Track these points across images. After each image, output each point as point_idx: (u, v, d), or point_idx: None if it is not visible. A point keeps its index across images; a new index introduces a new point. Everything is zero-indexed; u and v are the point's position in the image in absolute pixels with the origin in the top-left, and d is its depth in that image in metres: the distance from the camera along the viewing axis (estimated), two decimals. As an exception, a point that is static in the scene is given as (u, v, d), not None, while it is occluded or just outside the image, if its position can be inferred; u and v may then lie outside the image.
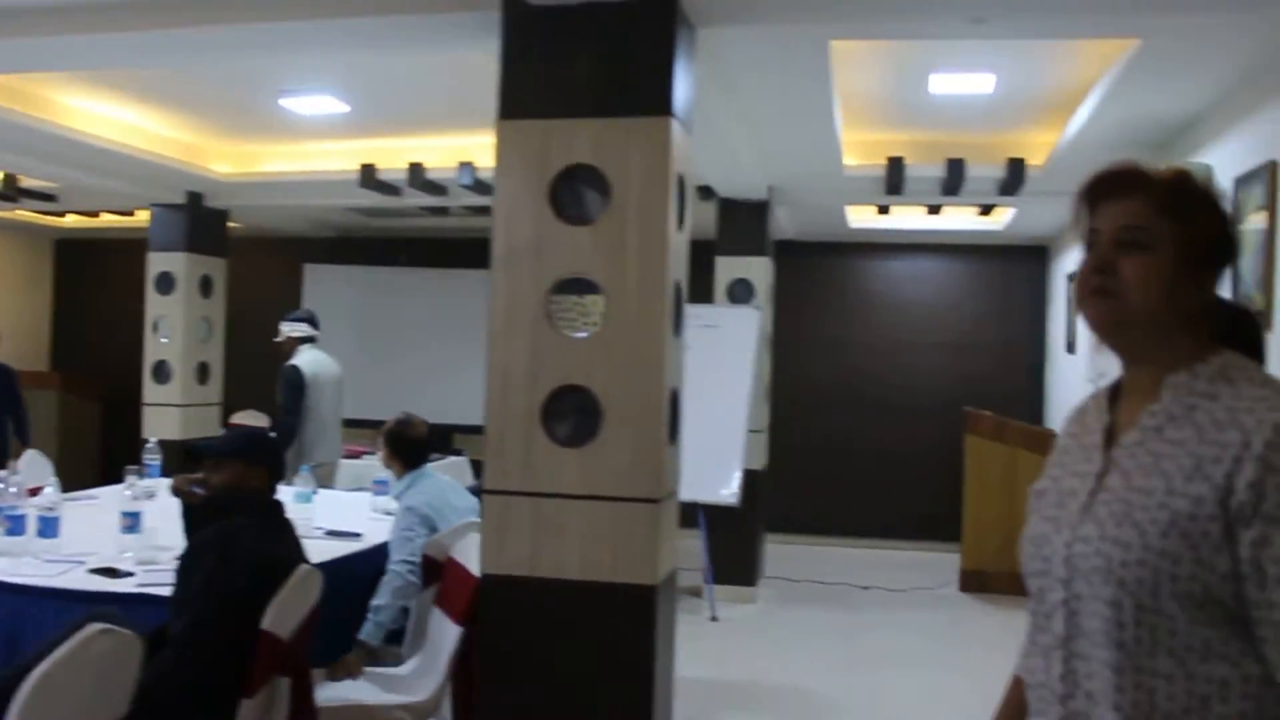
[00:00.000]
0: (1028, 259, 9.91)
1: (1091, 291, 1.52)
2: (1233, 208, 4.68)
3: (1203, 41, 4.20)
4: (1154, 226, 1.49)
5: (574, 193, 3.40)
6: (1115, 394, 1.62)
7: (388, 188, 7.53)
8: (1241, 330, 1.62)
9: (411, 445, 4.55)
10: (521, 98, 3.47)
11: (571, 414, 3.36)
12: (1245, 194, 4.55)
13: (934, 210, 8.48)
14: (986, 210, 8.42)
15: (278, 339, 6.92)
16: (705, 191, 7.80)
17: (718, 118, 5.42)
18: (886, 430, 10.01)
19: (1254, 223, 4.43)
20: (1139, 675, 1.41)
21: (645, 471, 3.30)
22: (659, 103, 3.36)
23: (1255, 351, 1.61)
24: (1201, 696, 1.39)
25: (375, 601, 4.04)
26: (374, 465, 6.73)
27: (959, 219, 8.99)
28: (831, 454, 10.03)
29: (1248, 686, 1.39)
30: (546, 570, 3.37)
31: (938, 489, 9.20)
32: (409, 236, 10.55)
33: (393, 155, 7.38)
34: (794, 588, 8.23)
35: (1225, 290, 4.41)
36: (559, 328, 3.36)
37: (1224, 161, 4.89)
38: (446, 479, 4.78)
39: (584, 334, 3.34)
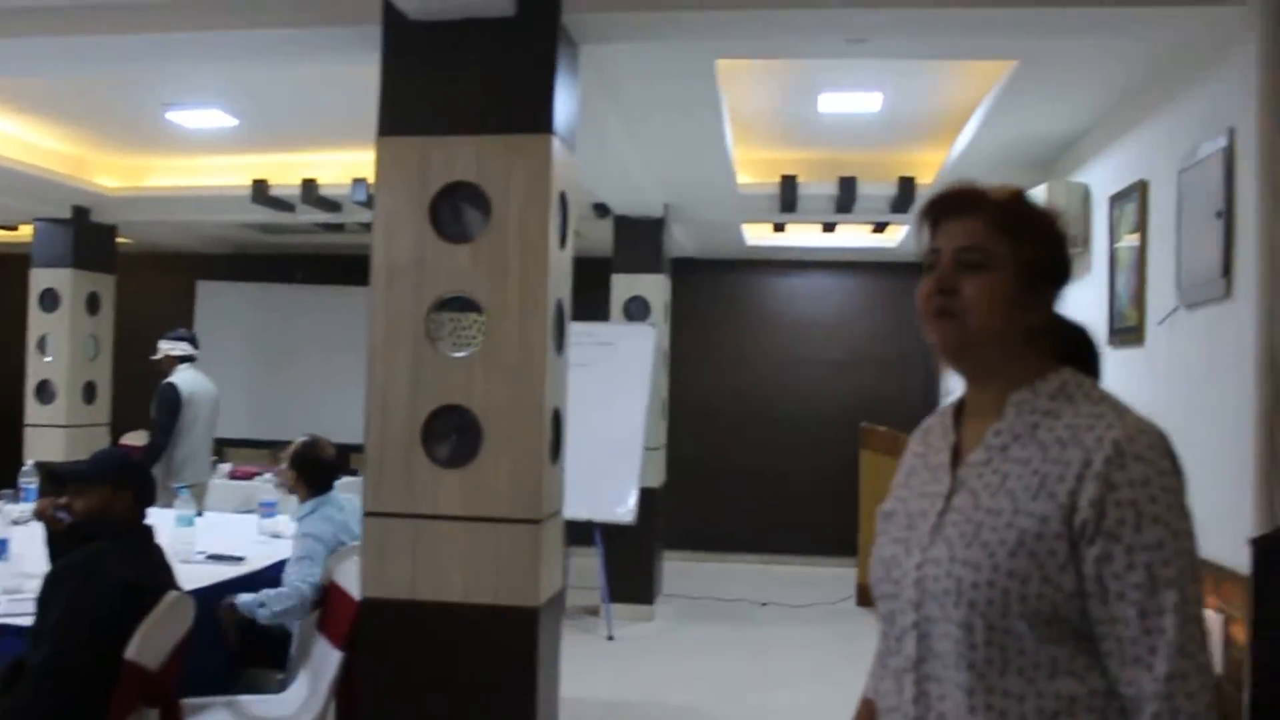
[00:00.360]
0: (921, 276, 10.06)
1: (934, 312, 1.53)
2: (1109, 226, 4.81)
3: (1078, 64, 4.31)
4: (992, 246, 1.51)
5: (454, 210, 3.36)
6: (960, 413, 1.64)
7: (281, 204, 7.40)
8: (1078, 347, 1.65)
9: (319, 469, 4.40)
10: (402, 114, 3.43)
11: (452, 434, 3.32)
12: (1120, 213, 4.67)
13: (829, 228, 8.59)
14: (880, 228, 8.54)
15: (155, 356, 6.90)
16: (601, 209, 7.80)
17: (610, 135, 5.43)
18: (784, 446, 10.09)
19: (1128, 241, 4.55)
20: (990, 695, 1.42)
21: (526, 492, 3.27)
22: (540, 120, 3.34)
23: (1092, 367, 1.64)
24: (1051, 713, 1.41)
25: (266, 597, 3.92)
26: (263, 487, 6.63)
27: (853, 236, 9.11)
28: (730, 471, 10.07)
29: (1093, 700, 1.41)
30: (427, 593, 3.31)
31: (835, 504, 9.29)
32: (305, 253, 10.39)
33: (286, 171, 7.26)
34: (692, 605, 8.24)
35: (1102, 306, 4.47)
36: (439, 347, 3.32)
37: (1101, 181, 5.02)
38: (356, 504, 4.66)
39: (463, 353, 3.30)
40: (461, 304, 3.33)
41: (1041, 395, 1.52)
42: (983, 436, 1.55)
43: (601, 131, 5.27)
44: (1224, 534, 3.29)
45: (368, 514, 3.38)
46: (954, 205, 1.57)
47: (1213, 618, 3.36)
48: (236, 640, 3.91)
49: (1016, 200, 1.56)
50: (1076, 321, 1.66)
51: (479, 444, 3.29)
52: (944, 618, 1.46)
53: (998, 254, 1.51)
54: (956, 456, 1.58)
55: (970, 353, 1.54)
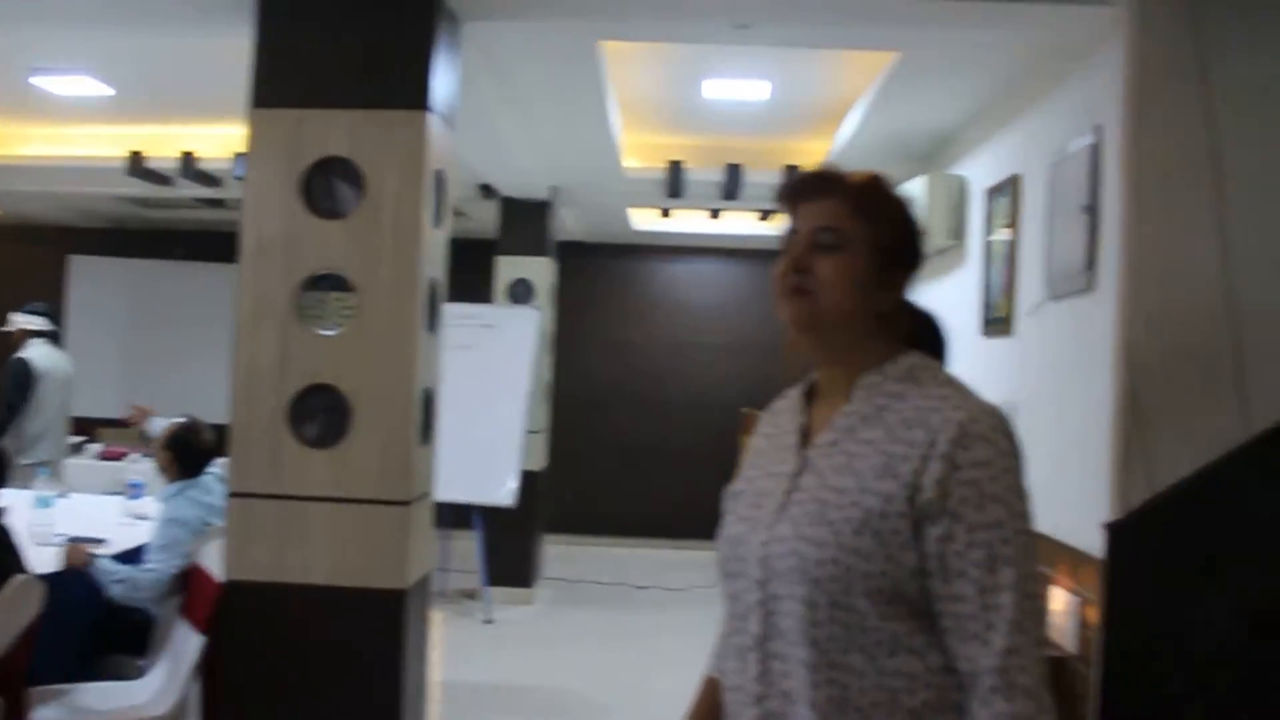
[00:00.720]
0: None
1: (788, 291, 1.54)
2: (984, 221, 4.91)
3: (957, 58, 4.37)
4: (847, 228, 1.53)
5: (327, 186, 3.28)
6: (810, 394, 1.65)
7: (158, 177, 7.15)
8: (927, 333, 1.67)
9: (194, 453, 4.23)
10: (275, 85, 3.34)
11: (320, 414, 3.25)
12: (995, 206, 4.77)
13: (715, 214, 8.62)
14: (766, 215, 8.61)
15: (6, 329, 6.67)
16: (487, 190, 7.73)
17: (496, 116, 5.37)
18: (668, 431, 10.14)
19: (1001, 234, 4.65)
20: (832, 671, 1.44)
21: (395, 473, 3.22)
22: (417, 96, 3.28)
23: (939, 354, 1.66)
24: (891, 690, 1.43)
25: (123, 573, 3.80)
26: (131, 468, 6.43)
27: (740, 223, 9.17)
28: (613, 454, 10.08)
29: (931, 677, 1.44)
30: (292, 575, 3.24)
31: (716, 489, 9.30)
32: (185, 229, 10.08)
33: (163, 143, 7.01)
34: (572, 589, 8.24)
35: (977, 297, 4.54)
36: (308, 325, 3.24)
37: (977, 174, 5.12)
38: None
39: (332, 331, 3.23)
40: (332, 282, 3.26)
41: (889, 378, 1.54)
42: (831, 418, 1.56)
43: (487, 111, 5.21)
44: (1081, 519, 3.38)
45: (232, 495, 3.29)
46: (812, 187, 1.58)
47: (1068, 600, 3.46)
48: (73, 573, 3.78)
49: (874, 184, 1.58)
50: (926, 309, 1.68)
51: (348, 424, 3.22)
52: (788, 595, 1.47)
53: (853, 236, 1.53)
54: (806, 438, 1.59)
55: (821, 332, 1.56)
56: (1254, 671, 3.12)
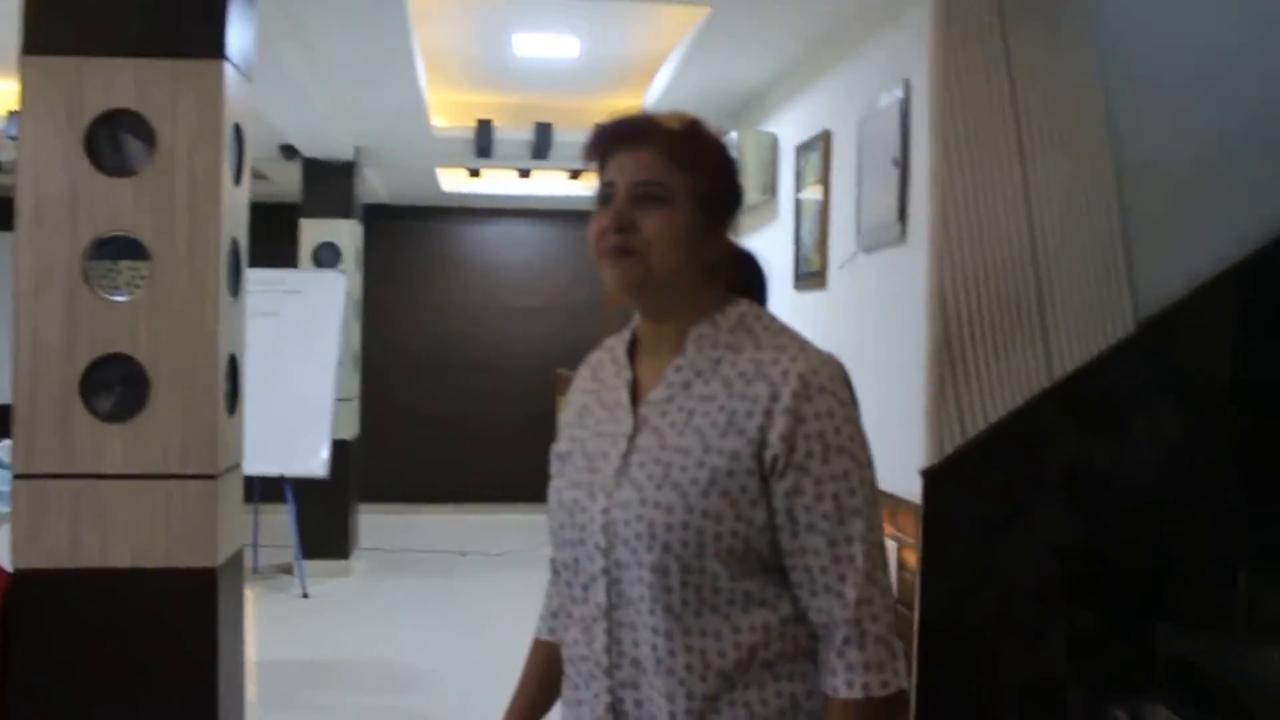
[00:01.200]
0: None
1: (611, 252, 1.45)
2: (795, 176, 4.96)
3: (767, 13, 4.39)
4: (668, 179, 1.44)
5: (114, 141, 3.05)
6: (632, 348, 1.58)
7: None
8: (749, 274, 1.63)
9: None
10: (50, 29, 3.06)
11: (115, 385, 3.03)
12: (805, 162, 4.83)
13: (525, 174, 8.51)
14: (576, 175, 8.54)
15: None
16: (289, 151, 7.43)
17: (296, 73, 5.14)
18: (481, 395, 10.03)
19: (813, 193, 4.70)
20: (688, 638, 1.40)
21: (200, 446, 3.03)
22: (211, 44, 3.06)
23: (761, 294, 1.63)
24: (749, 647, 1.41)
25: None
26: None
27: (550, 184, 9.08)
28: (428, 420, 9.92)
29: (785, 627, 1.42)
30: (90, 560, 3.02)
31: (532, 451, 9.27)
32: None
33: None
34: (390, 558, 8.07)
35: (788, 252, 4.58)
36: (99, 291, 3.02)
37: (788, 130, 5.17)
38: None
39: (124, 297, 3.02)
40: (124, 245, 3.04)
41: (722, 329, 1.49)
42: (663, 373, 1.50)
43: (287, 67, 4.98)
44: (898, 466, 3.46)
45: (18, 476, 3.04)
46: (625, 135, 1.49)
47: (889, 545, 3.54)
48: None
49: (689, 129, 1.50)
50: (744, 248, 1.64)
51: (146, 395, 3.01)
52: (636, 562, 1.41)
53: (674, 187, 1.45)
54: (635, 394, 1.52)
55: (652, 291, 1.47)
56: (1064, 604, 3.26)
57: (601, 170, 1.50)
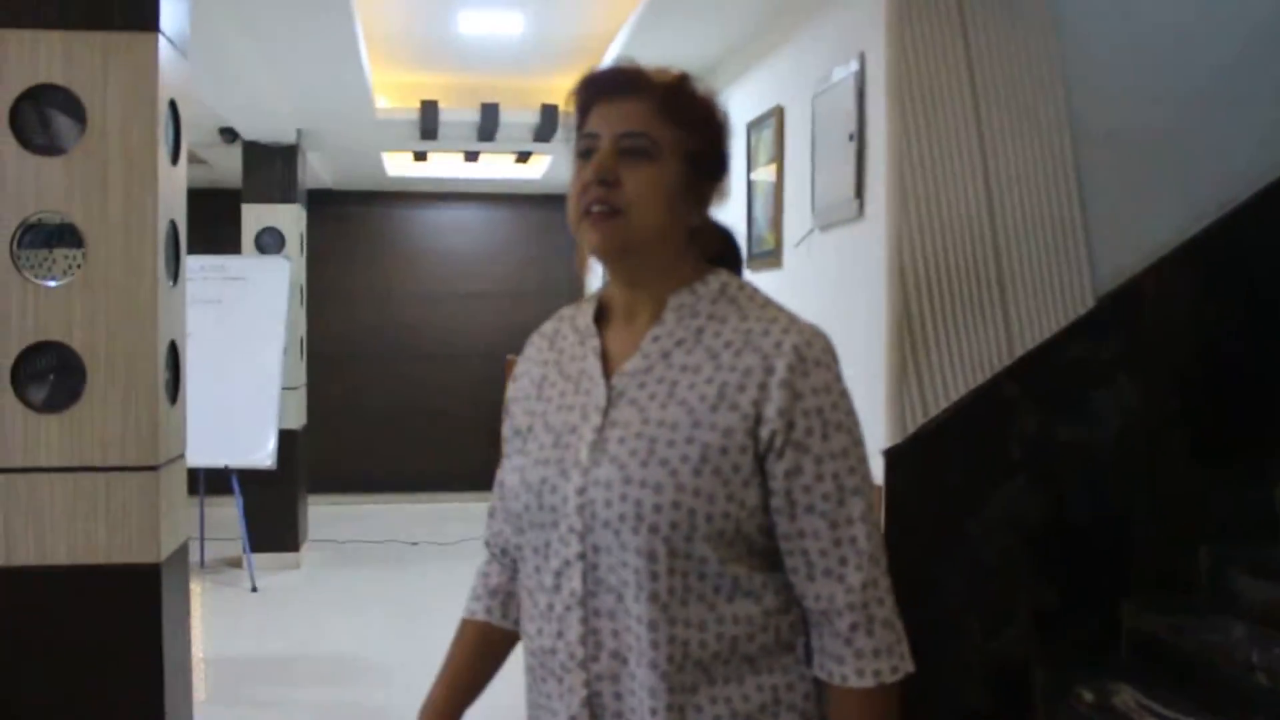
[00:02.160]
0: (566, 207, 10.11)
1: (595, 206, 1.34)
2: (746, 155, 4.89)
3: (716, -13, 4.31)
4: (657, 133, 1.35)
5: (41, 118, 2.92)
6: (599, 316, 1.48)
7: None
8: (725, 246, 1.55)
9: None
10: (-31, 3, 2.93)
11: (49, 374, 2.91)
12: (758, 139, 4.76)
13: (471, 157, 8.40)
14: (524, 158, 8.43)
15: None
16: (229, 134, 7.27)
17: (235, 53, 5.00)
18: (430, 382, 9.91)
19: (765, 175, 4.64)
20: (673, 628, 1.30)
21: (141, 436, 2.91)
22: (143, 16, 2.93)
23: (736, 267, 1.54)
24: (730, 638, 1.32)
25: None
26: None
27: (497, 167, 8.97)
28: (376, 409, 9.78)
29: (768, 620, 1.34)
30: (26, 558, 2.90)
31: (482, 438, 9.19)
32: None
33: None
34: (340, 549, 7.95)
35: (741, 231, 4.51)
36: (28, 275, 2.89)
37: (739, 108, 5.09)
38: None
39: (55, 282, 2.89)
40: (55, 228, 2.90)
41: (703, 298, 1.40)
42: (638, 343, 1.40)
43: (224, 46, 4.83)
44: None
45: (-52, 471, 2.92)
46: (613, 85, 1.40)
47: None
48: None
49: (680, 82, 1.41)
50: (720, 222, 1.55)
51: (82, 385, 2.89)
52: (619, 546, 1.30)
53: (663, 142, 1.35)
54: (606, 364, 1.42)
55: (633, 255, 1.38)
56: (1029, 582, 3.23)
57: (582, 122, 1.41)
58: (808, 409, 1.31)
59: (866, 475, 1.36)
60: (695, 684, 1.32)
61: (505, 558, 1.59)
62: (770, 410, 1.31)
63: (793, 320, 1.38)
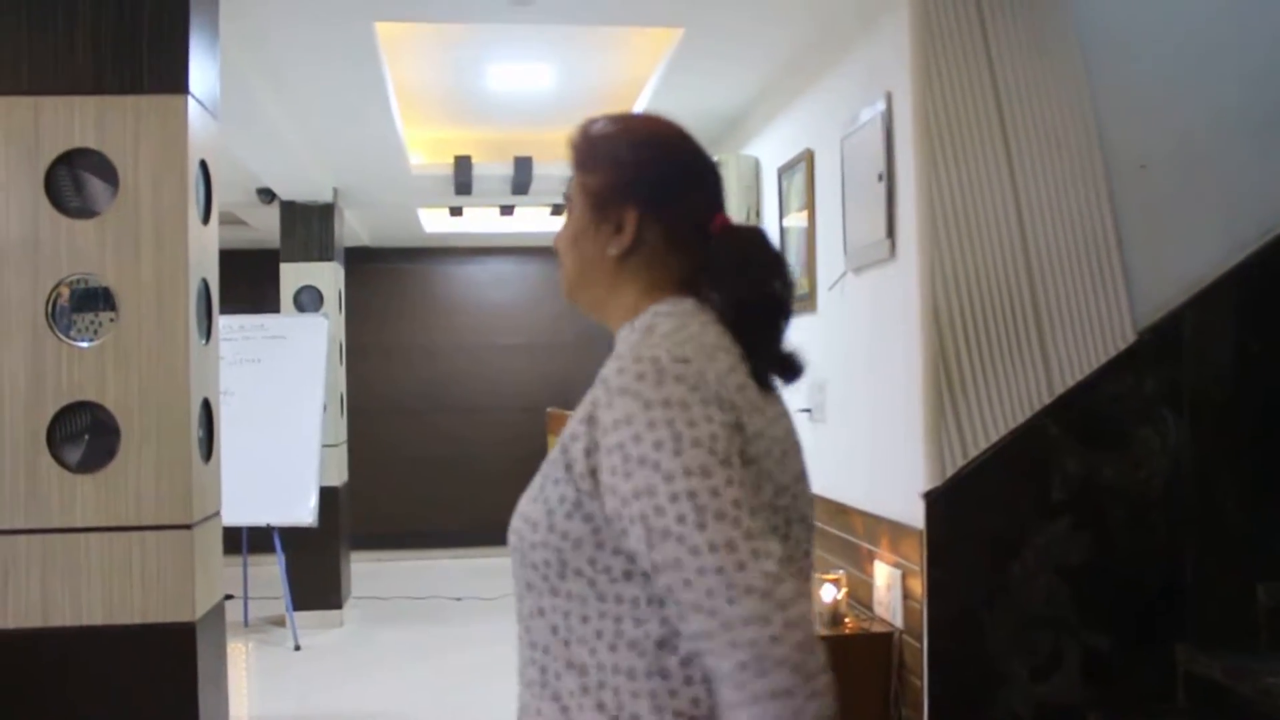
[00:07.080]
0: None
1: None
2: (778, 201, 4.87)
3: (742, 34, 4.31)
4: (571, 186, 1.44)
5: (75, 181, 2.96)
6: None
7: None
8: (741, 253, 1.43)
9: None
10: (4, 69, 2.97)
11: (84, 434, 2.92)
12: (788, 183, 4.74)
13: (507, 211, 8.44)
14: (559, 210, 8.47)
15: None
16: (266, 194, 7.35)
17: (269, 114, 5.06)
18: (472, 436, 9.91)
19: (797, 221, 4.61)
20: (546, 657, 1.30)
21: (175, 495, 2.92)
22: (173, 79, 2.98)
23: (765, 271, 1.42)
24: (596, 683, 1.25)
25: None
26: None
27: (532, 220, 9.01)
28: (417, 464, 9.79)
29: (619, 640, 1.24)
30: (64, 618, 2.90)
31: (524, 491, 9.16)
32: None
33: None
34: (384, 606, 7.92)
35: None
36: (64, 337, 2.91)
37: (769, 153, 5.09)
38: None
39: (89, 342, 2.91)
40: (90, 290, 2.93)
41: (636, 331, 1.35)
42: None
43: (258, 107, 4.90)
44: (900, 491, 3.35)
45: (-15, 534, 2.93)
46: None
47: (891, 573, 3.43)
48: None
49: (582, 131, 1.45)
50: (744, 224, 1.45)
51: (117, 444, 2.91)
52: (517, 577, 1.34)
53: (573, 192, 1.44)
54: None
55: (578, 298, 1.47)
56: (1077, 626, 3.15)
57: None
58: (609, 446, 1.20)
59: (692, 514, 1.15)
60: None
61: None
62: (576, 450, 1.24)
63: (640, 344, 1.29)
